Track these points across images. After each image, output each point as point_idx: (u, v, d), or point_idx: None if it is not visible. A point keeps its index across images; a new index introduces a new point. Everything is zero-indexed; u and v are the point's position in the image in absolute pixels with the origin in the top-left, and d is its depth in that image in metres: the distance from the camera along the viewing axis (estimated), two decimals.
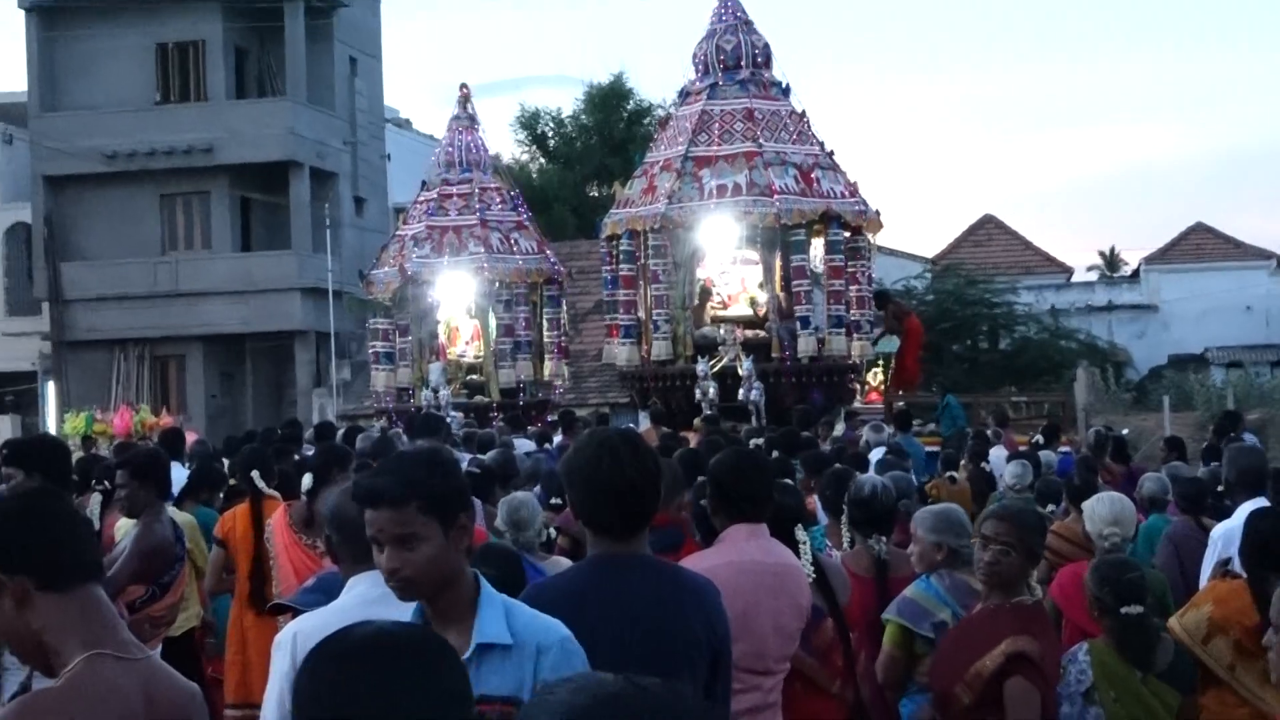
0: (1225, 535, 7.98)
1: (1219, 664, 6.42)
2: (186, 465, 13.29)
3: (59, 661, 3.27)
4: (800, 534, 6.22)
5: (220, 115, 41.72)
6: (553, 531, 8.58)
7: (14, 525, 3.32)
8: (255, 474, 9.65)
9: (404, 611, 3.69)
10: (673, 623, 4.23)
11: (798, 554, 6.01)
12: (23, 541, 3.30)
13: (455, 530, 3.65)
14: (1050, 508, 9.64)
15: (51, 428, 35.26)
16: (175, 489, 10.38)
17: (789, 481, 7.94)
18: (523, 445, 16.19)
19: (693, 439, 15.75)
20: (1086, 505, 8.29)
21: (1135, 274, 52.63)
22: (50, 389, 40.50)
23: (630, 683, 1.52)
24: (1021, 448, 16.53)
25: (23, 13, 42.40)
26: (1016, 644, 5.66)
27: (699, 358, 22.59)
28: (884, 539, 7.32)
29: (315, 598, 5.02)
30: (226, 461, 12.92)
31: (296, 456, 12.61)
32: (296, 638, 4.30)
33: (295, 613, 4.93)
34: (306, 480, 8.32)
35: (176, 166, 41.45)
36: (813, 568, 6.09)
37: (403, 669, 2.32)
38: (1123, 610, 6.19)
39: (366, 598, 4.40)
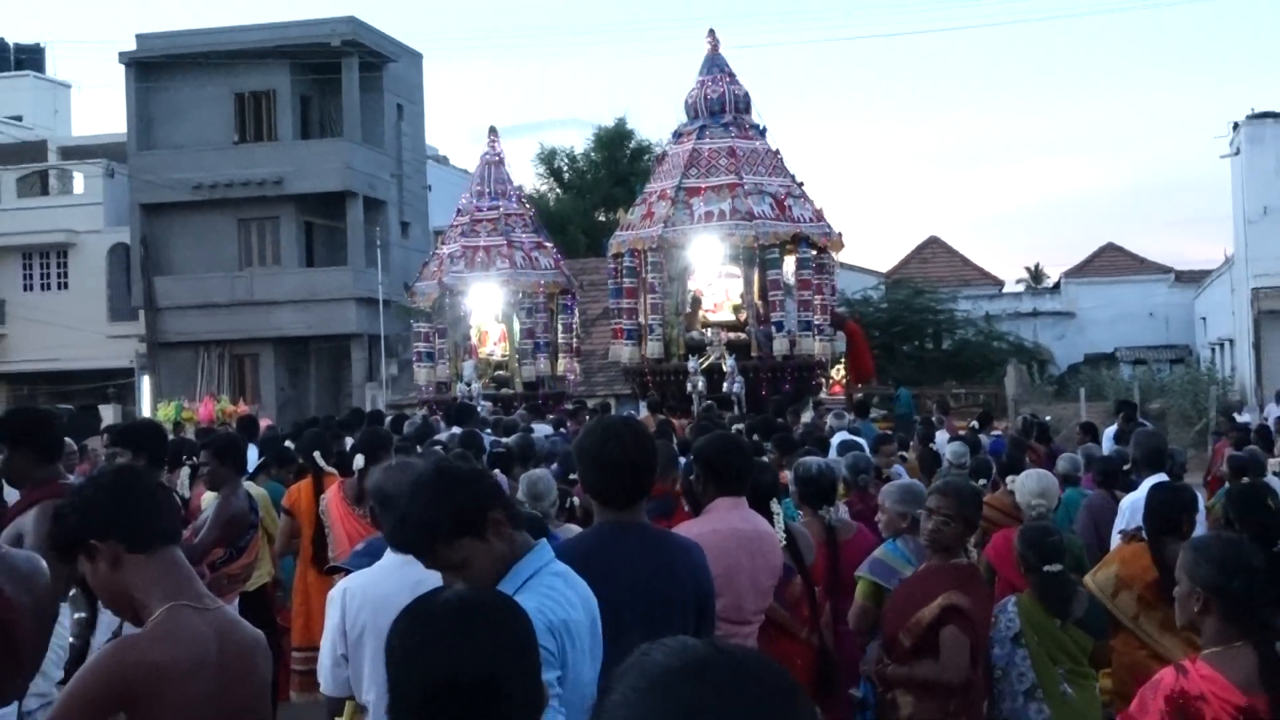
0: (1132, 505, 7.97)
1: (1125, 614, 6.42)
2: (258, 447, 13.25)
3: (146, 613, 3.29)
4: (775, 505, 6.20)
5: (288, 153, 41.73)
6: (576, 499, 8.55)
7: (106, 499, 3.33)
8: (317, 454, 9.63)
9: (439, 575, 3.66)
10: (665, 578, 4.25)
11: (772, 523, 5.99)
12: (114, 512, 3.31)
13: (489, 528, 3.51)
14: (982, 482, 9.60)
15: (146, 416, 35.22)
16: (250, 467, 10.37)
17: (765, 460, 7.91)
18: (541, 430, 16.14)
19: (682, 425, 15.72)
20: (1017, 480, 8.28)
21: (1056, 286, 52.66)
22: (145, 383, 40.48)
23: (715, 647, 1.50)
24: (961, 432, 16.51)
25: (123, 67, 42.44)
26: (951, 598, 5.67)
27: (690, 356, 22.56)
28: (831, 509, 7.30)
29: (364, 560, 5.02)
30: (292, 444, 12.88)
31: (350, 440, 12.59)
32: (345, 593, 4.30)
33: (348, 572, 4.92)
34: (358, 460, 8.31)
35: (251, 196, 41.46)
36: (784, 534, 6.07)
37: (478, 627, 2.31)
38: (1045, 568, 6.22)
39: (403, 558, 4.39)
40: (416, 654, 2.28)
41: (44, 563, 5.18)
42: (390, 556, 4.47)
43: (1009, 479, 8.82)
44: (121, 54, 42.49)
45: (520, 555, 3.56)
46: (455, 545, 3.48)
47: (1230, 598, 3.85)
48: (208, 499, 8.93)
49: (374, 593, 4.18)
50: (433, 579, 3.53)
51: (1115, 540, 7.84)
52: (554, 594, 3.47)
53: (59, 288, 44.51)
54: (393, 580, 4.25)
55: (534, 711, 2.36)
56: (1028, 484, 8.03)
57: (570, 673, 3.43)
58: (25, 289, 44.67)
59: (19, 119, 48.33)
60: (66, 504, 3.45)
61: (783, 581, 5.88)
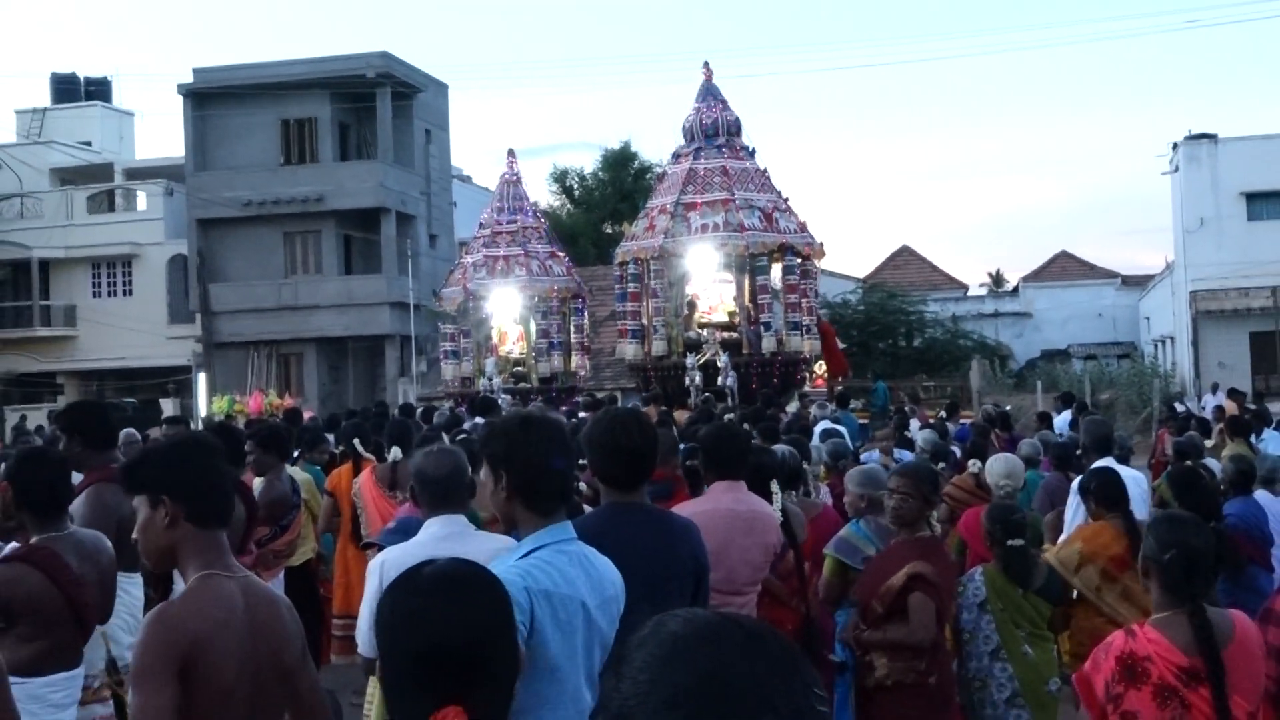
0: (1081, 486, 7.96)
1: (1088, 587, 6.42)
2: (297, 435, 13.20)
3: (184, 576, 3.34)
4: (774, 486, 6.16)
5: (328, 173, 41.71)
6: (582, 486, 8.55)
7: (191, 467, 3.34)
8: (356, 442, 9.64)
9: (470, 548, 3.65)
10: (666, 554, 4.23)
11: (771, 502, 5.97)
12: (191, 480, 3.32)
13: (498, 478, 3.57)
14: (941, 465, 9.56)
15: (202, 409, 35.19)
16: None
17: (767, 446, 7.85)
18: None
19: (681, 416, 15.68)
20: (987, 463, 8.28)
21: (1015, 290, 52.59)
22: (201, 379, 40.49)
23: (724, 616, 1.49)
24: (931, 420, 16.48)
25: (182, 97, 42.46)
26: (916, 567, 5.68)
27: (688, 353, 22.56)
28: (793, 492, 7.25)
29: (396, 537, 5.03)
30: (330, 434, 12.87)
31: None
32: (384, 565, 4.30)
33: (382, 547, 4.91)
34: (395, 452, 8.35)
35: (295, 212, 41.44)
36: (780, 513, 6.06)
37: (461, 596, 2.32)
38: (1008, 542, 6.22)
39: (439, 535, 4.42)
40: (406, 622, 2.29)
41: (107, 540, 5.18)
42: (425, 533, 4.49)
43: (972, 462, 8.81)
44: (180, 85, 42.50)
45: (527, 530, 3.55)
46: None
47: (1169, 569, 3.86)
48: (255, 484, 8.95)
49: (410, 564, 4.17)
50: (463, 555, 3.52)
51: (1069, 517, 7.84)
52: (546, 567, 3.42)
53: (124, 294, 44.53)
54: (427, 554, 4.22)
55: (512, 674, 2.39)
56: (996, 467, 8.04)
57: (561, 642, 3.37)
58: (94, 295, 44.70)
59: (89, 144, 48.33)
60: (156, 451, 3.47)
61: (778, 556, 5.86)
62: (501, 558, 3.54)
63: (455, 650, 2.27)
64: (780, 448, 7.74)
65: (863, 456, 11.28)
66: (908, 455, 11.10)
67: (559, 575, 3.43)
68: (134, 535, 3.37)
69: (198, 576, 3.28)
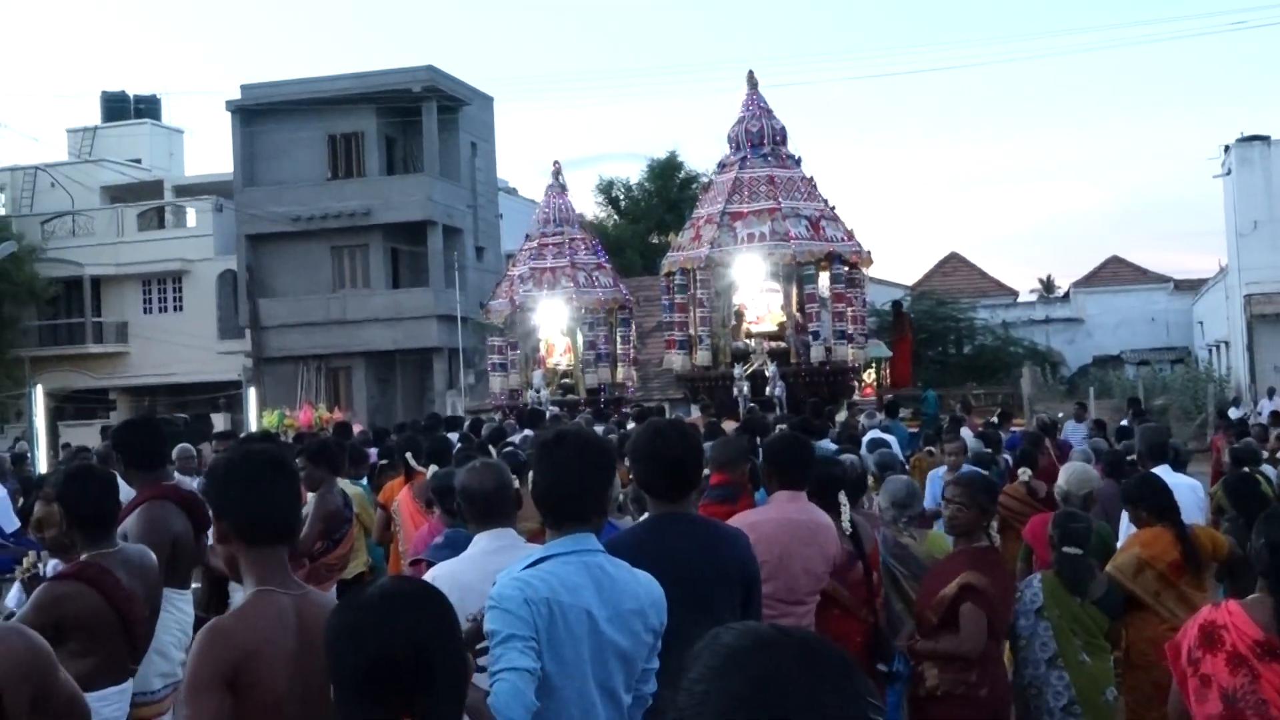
0: None
1: (1146, 592, 6.38)
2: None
3: (245, 589, 3.38)
4: (841, 497, 6.12)
5: (375, 187, 41.99)
6: (620, 494, 8.54)
7: (233, 482, 3.36)
8: (409, 455, 9.67)
9: (516, 561, 3.65)
10: (711, 563, 4.23)
11: (838, 514, 5.97)
12: (230, 496, 3.35)
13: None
14: (987, 472, 9.48)
15: (252, 424, 35.47)
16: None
17: (838, 458, 7.78)
18: (598, 429, 16.11)
19: (728, 426, 15.63)
20: (1062, 471, 8.22)
21: (1066, 295, 52.21)
22: (251, 394, 40.66)
23: (777, 628, 1.53)
24: (980, 427, 16.33)
25: (230, 113, 42.86)
26: (968, 578, 5.68)
27: (735, 364, 22.52)
28: (862, 503, 7.24)
29: (444, 552, 5.04)
30: (374, 450, 12.94)
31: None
32: (435, 580, 4.29)
33: (428, 563, 4.93)
34: (433, 468, 8.38)
35: (343, 226, 41.73)
36: (849, 524, 6.05)
37: (402, 611, 2.44)
38: (1064, 549, 6.20)
39: (487, 550, 4.43)
40: (350, 638, 2.42)
41: (153, 556, 5.22)
42: (474, 548, 4.51)
43: (1022, 471, 8.74)
44: (228, 102, 42.93)
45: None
46: None
47: (1259, 559, 4.11)
48: (308, 499, 9.00)
49: (461, 580, 4.20)
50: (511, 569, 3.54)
51: (1123, 526, 7.76)
52: (548, 576, 3.43)
53: (174, 310, 44.97)
54: (477, 568, 4.28)
55: (460, 681, 2.51)
56: (1070, 474, 8.00)
57: (557, 650, 3.38)
58: (145, 311, 45.16)
59: (138, 161, 48.90)
60: (213, 472, 3.52)
61: (846, 566, 5.87)
62: (507, 568, 3.55)
63: (399, 663, 2.38)
64: (847, 457, 7.72)
65: (933, 473, 11.14)
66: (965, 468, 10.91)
67: (560, 584, 3.43)
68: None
69: (253, 593, 3.32)
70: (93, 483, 5.04)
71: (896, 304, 27.74)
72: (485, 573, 4.00)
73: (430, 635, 2.42)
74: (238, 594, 6.59)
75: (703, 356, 23.30)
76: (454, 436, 13.20)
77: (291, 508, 3.45)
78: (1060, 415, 20.01)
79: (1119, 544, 7.34)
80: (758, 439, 9.50)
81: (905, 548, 6.73)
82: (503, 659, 3.31)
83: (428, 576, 4.42)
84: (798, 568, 5.37)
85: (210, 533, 6.21)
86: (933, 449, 13.65)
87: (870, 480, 10.12)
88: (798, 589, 5.37)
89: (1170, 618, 6.27)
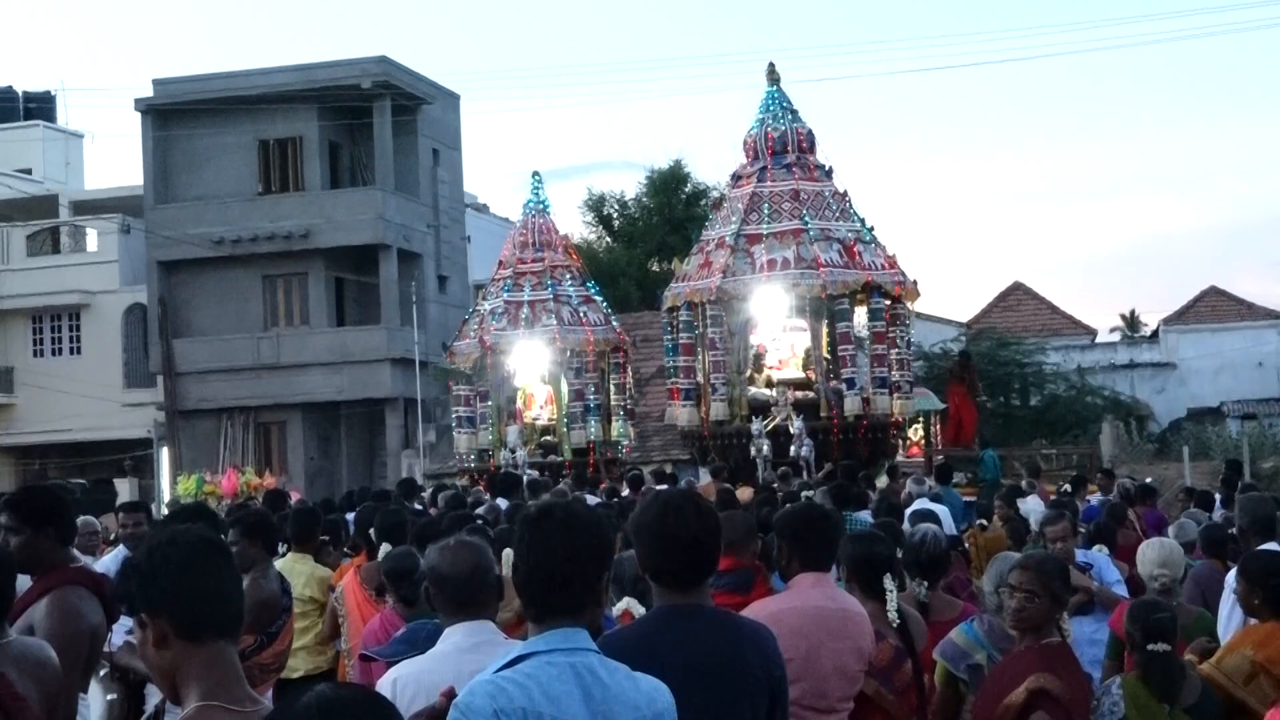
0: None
1: (1261, 702, 6.34)
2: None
3: (184, 703, 3.35)
4: (888, 582, 6.13)
5: (316, 204, 42.13)
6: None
7: (168, 572, 3.36)
8: (372, 531, 9.70)
9: (494, 659, 3.69)
10: (732, 666, 4.23)
11: (884, 601, 6.02)
12: (169, 589, 3.34)
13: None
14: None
15: (165, 490, 35.48)
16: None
17: (880, 533, 7.85)
18: (589, 501, 16.16)
19: (744, 493, 15.68)
20: (1139, 550, 8.24)
21: (1154, 334, 52.24)
22: (164, 454, 40.80)
23: None
24: (1051, 497, 16.36)
25: (140, 114, 43.03)
26: (1039, 680, 5.68)
27: (753, 417, 22.57)
28: (925, 583, 7.32)
29: (402, 647, 5.08)
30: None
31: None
32: (396, 682, 4.36)
33: (382, 660, 4.99)
34: (384, 548, 8.42)
35: (277, 250, 41.81)
36: (896, 614, 6.08)
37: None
38: (1149, 646, 6.18)
39: (461, 646, 4.46)
40: None
41: (53, 652, 5.26)
42: (445, 644, 4.54)
43: (1098, 547, 8.77)
44: (138, 101, 43.08)
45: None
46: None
47: None
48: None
49: (429, 681, 4.22)
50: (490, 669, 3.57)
51: (1223, 617, 7.78)
52: (526, 681, 3.44)
53: (71, 352, 45.01)
54: (450, 669, 4.30)
55: None
56: (1149, 554, 8.00)
57: None
58: (35, 354, 45.17)
59: (29, 172, 49.00)
60: (134, 563, 3.50)
61: (894, 665, 5.92)
62: (480, 672, 3.57)
63: None
64: (924, 527, 7.77)
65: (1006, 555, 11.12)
66: (1103, 560, 10.18)
67: (540, 692, 3.43)
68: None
69: (195, 707, 3.30)
70: None
71: (964, 356, 27.78)
72: (459, 673, 4.02)
73: None
74: (155, 697, 6.65)
75: (715, 409, 23.36)
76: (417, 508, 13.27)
77: (238, 594, 3.49)
78: (1150, 479, 20.00)
79: (1225, 639, 7.33)
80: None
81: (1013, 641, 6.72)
82: None
83: (388, 677, 4.46)
84: (828, 667, 5.40)
85: (118, 628, 6.23)
86: (985, 522, 13.71)
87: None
88: (829, 693, 5.40)
89: None
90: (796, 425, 21.88)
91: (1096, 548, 8.78)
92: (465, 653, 4.35)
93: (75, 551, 6.60)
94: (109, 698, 6.46)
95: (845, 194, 24.37)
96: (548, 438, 27.63)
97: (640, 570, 4.44)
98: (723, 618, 4.45)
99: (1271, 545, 8.21)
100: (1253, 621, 6.86)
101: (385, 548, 8.58)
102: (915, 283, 23.99)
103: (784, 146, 24.22)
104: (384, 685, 4.44)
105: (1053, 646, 5.87)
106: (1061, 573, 6.07)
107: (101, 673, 6.10)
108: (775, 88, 24.86)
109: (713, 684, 4.11)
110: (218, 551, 3.47)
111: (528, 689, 3.41)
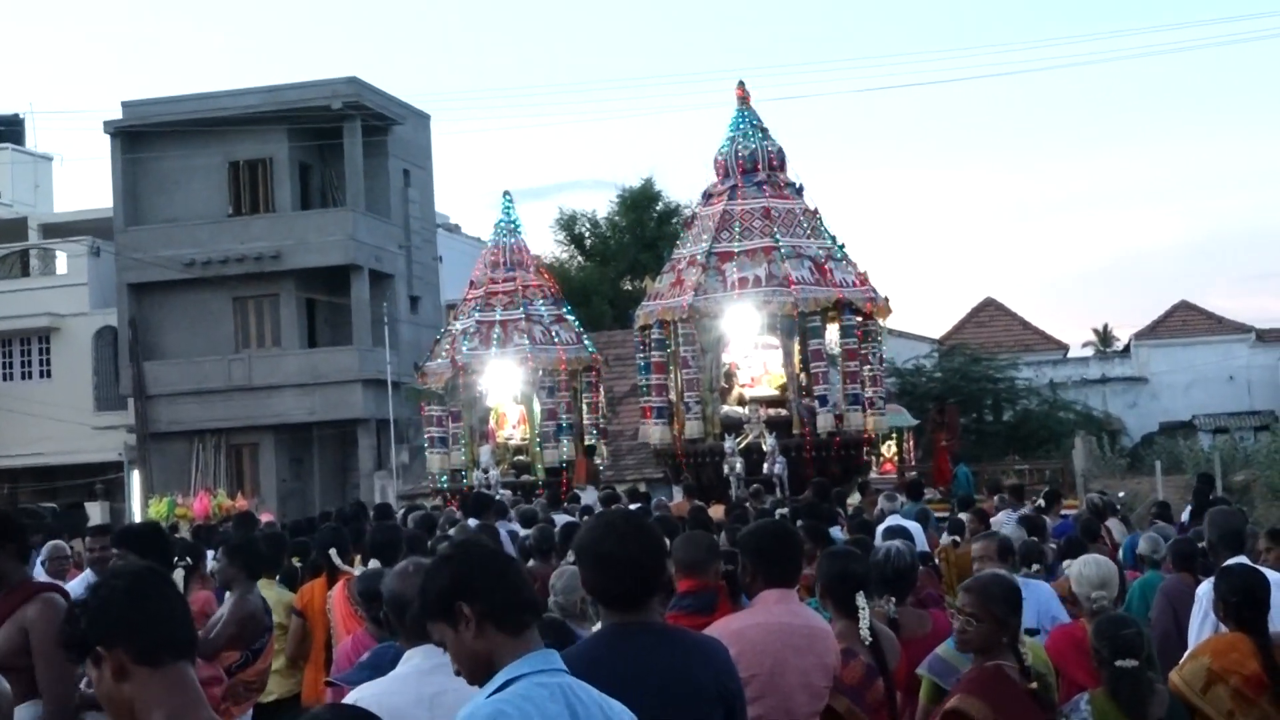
0: (1209, 593, 7.90)
1: (1218, 711, 6.37)
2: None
3: None
4: (860, 600, 6.15)
5: (287, 225, 42.08)
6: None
7: (117, 603, 3.35)
8: (333, 552, 9.68)
9: (461, 684, 3.69)
10: (683, 682, 4.25)
11: (857, 619, 6.03)
12: (123, 618, 3.33)
13: (458, 619, 3.59)
14: (1036, 568, 9.47)
15: (136, 513, 35.34)
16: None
17: (856, 550, 7.84)
18: (561, 520, 16.14)
19: (716, 511, 15.68)
20: (1073, 568, 8.19)
21: (1126, 349, 52.47)
22: (135, 477, 40.63)
23: None
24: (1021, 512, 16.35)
25: (109, 137, 42.96)
26: (957, 702, 5.68)
27: (726, 435, 22.59)
28: (893, 599, 7.31)
29: (365, 674, 5.07)
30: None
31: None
32: (358, 705, 4.32)
33: (347, 687, 4.96)
34: (373, 564, 8.41)
35: (248, 272, 41.75)
36: (869, 632, 6.08)
37: None
38: (1117, 663, 6.17)
39: (421, 669, 4.45)
40: None
41: (5, 683, 5.22)
42: (406, 666, 4.54)
43: (1065, 563, 8.77)
44: (106, 123, 43.02)
45: (504, 661, 3.56)
46: (432, 626, 3.68)
47: None
48: (201, 601, 9.03)
49: (388, 703, 4.21)
50: (451, 691, 3.56)
51: (1193, 630, 7.80)
52: (523, 704, 3.44)
53: (41, 375, 44.82)
54: (409, 691, 4.31)
55: None
56: (1086, 572, 7.95)
57: None
58: (4, 378, 44.98)
59: None
60: (80, 603, 3.48)
61: (865, 683, 5.93)
62: (473, 699, 3.55)
63: None
64: (890, 543, 7.78)
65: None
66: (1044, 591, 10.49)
67: (538, 714, 3.45)
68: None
69: None
70: None
71: (941, 402, 27.92)
72: (419, 695, 4.03)
73: None
74: None
75: (688, 427, 23.37)
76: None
77: (188, 616, 3.49)
78: (1122, 494, 20.03)
79: (1190, 649, 7.34)
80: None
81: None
82: None
83: (349, 699, 4.44)
84: (794, 683, 5.40)
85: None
86: (958, 539, 13.71)
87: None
88: (795, 709, 5.40)
89: None
90: (769, 443, 21.92)
91: (1065, 562, 8.75)
92: (425, 674, 4.33)
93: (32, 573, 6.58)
94: None
95: (816, 211, 24.45)
96: (521, 457, 27.64)
97: (586, 591, 4.45)
98: (670, 633, 4.48)
99: (1241, 559, 8.24)
100: (1223, 629, 6.90)
101: (374, 564, 8.56)
102: (887, 299, 24.08)
103: (754, 165, 24.29)
104: None
105: (988, 670, 5.84)
106: (1006, 595, 6.05)
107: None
108: (745, 107, 24.94)
109: (660, 698, 4.12)
110: (160, 578, 3.48)
111: (526, 711, 3.43)
